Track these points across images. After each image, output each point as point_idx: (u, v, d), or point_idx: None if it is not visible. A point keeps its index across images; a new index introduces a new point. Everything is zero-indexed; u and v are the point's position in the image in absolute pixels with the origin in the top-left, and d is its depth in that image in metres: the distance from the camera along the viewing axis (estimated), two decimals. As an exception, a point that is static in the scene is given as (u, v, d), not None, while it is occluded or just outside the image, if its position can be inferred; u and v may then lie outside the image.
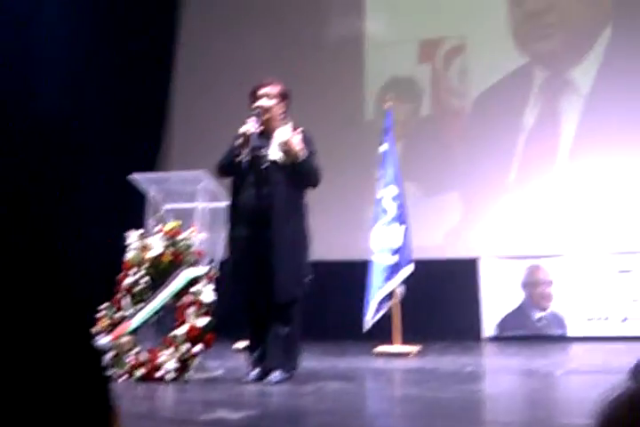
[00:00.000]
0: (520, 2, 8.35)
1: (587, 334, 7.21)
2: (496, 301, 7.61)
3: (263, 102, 4.30)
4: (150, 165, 9.01)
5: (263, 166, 4.18)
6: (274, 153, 4.22)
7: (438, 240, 8.07)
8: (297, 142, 4.15)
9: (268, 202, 4.16)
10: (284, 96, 4.39)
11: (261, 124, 4.26)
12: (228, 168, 4.35)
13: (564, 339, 7.25)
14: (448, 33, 8.63)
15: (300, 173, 4.18)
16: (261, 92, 4.34)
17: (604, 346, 6.72)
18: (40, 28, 7.94)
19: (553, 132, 8.03)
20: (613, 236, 7.47)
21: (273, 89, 4.35)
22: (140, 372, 4.63)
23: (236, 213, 4.33)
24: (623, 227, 7.48)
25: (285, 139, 4.15)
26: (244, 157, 4.17)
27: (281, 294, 4.16)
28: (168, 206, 5.36)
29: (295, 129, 4.29)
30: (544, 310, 7.46)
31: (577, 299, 7.34)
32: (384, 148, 6.74)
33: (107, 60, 8.72)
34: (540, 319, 7.45)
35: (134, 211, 6.10)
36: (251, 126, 4.16)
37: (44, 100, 7.69)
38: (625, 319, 7.15)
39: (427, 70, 8.70)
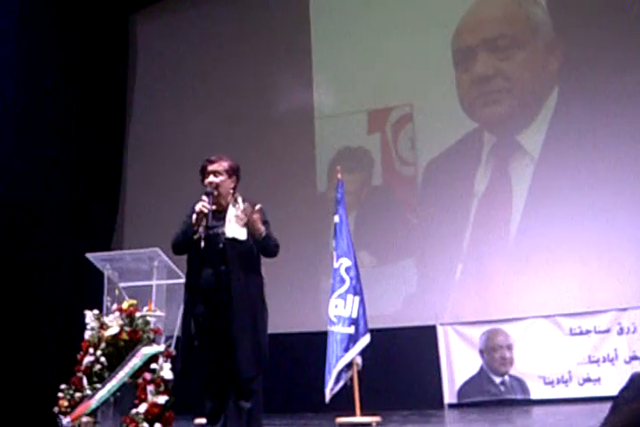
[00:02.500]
0: (466, 68, 8.80)
1: (547, 397, 7.42)
2: (456, 367, 7.84)
3: (212, 179, 4.50)
4: (107, 242, 9.29)
5: (220, 245, 4.37)
6: (230, 230, 4.40)
7: (395, 308, 8.32)
8: (258, 219, 4.34)
9: (226, 280, 4.31)
10: (232, 172, 4.57)
11: (214, 202, 4.48)
12: (183, 246, 4.54)
13: (524, 402, 7.44)
14: (396, 102, 9.05)
15: (263, 247, 4.40)
16: (210, 169, 4.54)
17: (565, 408, 6.95)
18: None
19: (505, 196, 8.35)
20: (569, 298, 7.73)
21: (220, 165, 4.54)
22: (100, 452, 4.80)
23: (194, 292, 4.44)
24: (579, 288, 7.75)
25: (246, 218, 4.36)
26: (201, 234, 4.41)
27: (245, 370, 4.25)
28: (124, 284, 5.62)
29: (244, 202, 4.50)
30: (504, 374, 7.69)
31: (535, 362, 7.58)
32: (336, 219, 7.05)
33: (59, 141, 9.05)
34: (500, 384, 7.69)
35: (93, 288, 6.29)
36: (206, 204, 4.39)
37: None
38: (584, 381, 7.39)
39: (376, 140, 9.10)
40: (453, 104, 8.77)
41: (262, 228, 4.35)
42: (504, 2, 8.85)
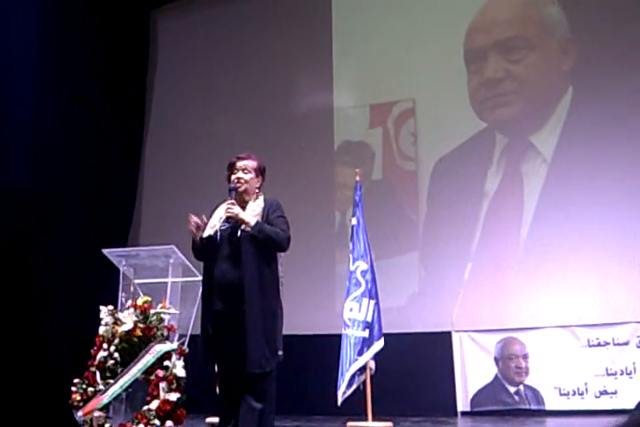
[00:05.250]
0: (476, 70, 8.84)
1: (562, 408, 7.45)
2: (470, 375, 7.88)
3: (241, 176, 4.61)
4: (124, 238, 9.44)
5: (238, 234, 4.44)
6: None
7: (398, 309, 8.32)
8: (237, 213, 4.44)
9: (240, 273, 4.39)
10: (259, 171, 4.70)
11: (236, 196, 4.56)
12: (197, 252, 4.66)
13: (539, 413, 7.47)
14: (398, 97, 9.15)
15: (257, 239, 4.43)
16: (239, 165, 4.65)
17: (580, 420, 7.02)
18: (6, 108, 8.39)
19: (516, 198, 8.35)
20: (588, 308, 7.75)
21: (250, 163, 4.66)
22: (111, 448, 4.92)
23: (210, 287, 4.51)
24: (598, 299, 7.74)
25: (230, 213, 4.47)
26: (217, 230, 4.52)
27: (253, 365, 4.30)
28: (139, 281, 5.72)
29: (265, 200, 4.62)
30: (519, 383, 7.72)
31: (551, 372, 7.61)
32: (354, 222, 7.13)
33: (79, 136, 9.19)
34: (515, 393, 7.73)
35: (109, 284, 6.40)
36: (231, 206, 4.48)
37: (15, 176, 8.11)
38: (601, 393, 7.42)
39: (378, 134, 9.20)
40: (457, 101, 8.82)
41: (247, 221, 4.43)
42: (517, 1, 8.91)
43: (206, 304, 4.54)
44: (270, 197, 4.68)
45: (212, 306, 4.48)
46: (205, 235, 4.56)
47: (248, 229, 4.42)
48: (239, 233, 4.46)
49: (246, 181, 4.63)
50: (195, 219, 4.51)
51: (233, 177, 4.64)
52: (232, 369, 4.45)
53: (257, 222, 4.44)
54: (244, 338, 4.32)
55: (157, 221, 9.75)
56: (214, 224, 4.57)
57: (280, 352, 4.62)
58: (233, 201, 4.49)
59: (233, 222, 4.49)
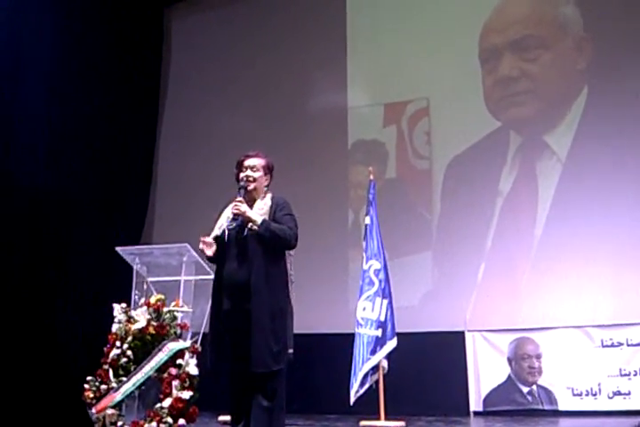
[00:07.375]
0: (491, 69, 8.85)
1: (575, 409, 7.40)
2: (483, 374, 7.84)
3: (249, 173, 4.59)
4: (137, 237, 9.46)
5: (244, 233, 4.43)
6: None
7: (411, 307, 8.32)
8: (244, 211, 4.42)
9: (248, 272, 4.38)
10: (268, 169, 4.69)
11: (245, 195, 4.56)
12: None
13: (552, 413, 7.44)
14: (412, 96, 9.16)
15: (264, 238, 4.42)
16: (247, 163, 4.64)
17: (593, 421, 6.97)
18: (22, 105, 8.43)
19: (531, 197, 8.33)
20: (601, 308, 7.71)
21: (259, 161, 4.65)
22: (124, 445, 4.92)
23: (219, 286, 4.51)
24: (612, 298, 7.71)
25: (237, 211, 4.44)
26: (225, 229, 4.52)
27: (256, 364, 4.28)
28: (152, 279, 5.73)
29: (273, 198, 4.60)
30: (532, 384, 7.69)
31: (565, 373, 7.57)
32: (367, 220, 7.12)
33: (94, 135, 9.23)
34: (528, 393, 7.69)
35: (122, 282, 6.41)
36: (239, 205, 4.45)
37: (30, 174, 8.15)
38: (614, 394, 7.37)
39: (392, 133, 9.21)
40: (472, 100, 8.83)
41: (254, 219, 4.41)
42: (532, 0, 8.90)
43: (215, 304, 4.53)
44: (281, 195, 4.66)
45: (220, 306, 4.47)
46: (213, 235, 4.55)
47: (255, 227, 4.41)
48: (246, 232, 4.45)
49: (255, 179, 4.61)
50: (206, 240, 4.50)
51: (242, 175, 4.62)
52: (241, 368, 4.42)
53: (263, 220, 4.41)
54: (248, 337, 4.30)
55: (170, 220, 9.77)
56: (222, 224, 4.56)
57: (290, 350, 4.58)
58: (240, 199, 4.48)
59: (240, 221, 4.48)
